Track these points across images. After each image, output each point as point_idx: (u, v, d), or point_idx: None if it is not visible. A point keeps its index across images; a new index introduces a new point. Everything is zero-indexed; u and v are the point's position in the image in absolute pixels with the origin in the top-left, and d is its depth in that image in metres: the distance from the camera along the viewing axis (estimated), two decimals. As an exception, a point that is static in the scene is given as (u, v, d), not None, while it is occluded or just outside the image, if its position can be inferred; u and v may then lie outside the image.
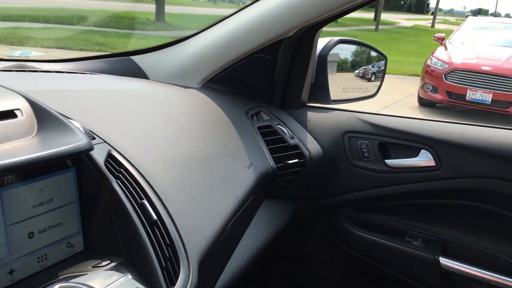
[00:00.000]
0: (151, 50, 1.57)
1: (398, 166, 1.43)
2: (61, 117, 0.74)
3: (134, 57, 1.54)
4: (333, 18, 1.32)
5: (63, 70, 1.31)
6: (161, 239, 0.78)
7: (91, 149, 0.72)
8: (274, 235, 1.30)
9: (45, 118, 0.74)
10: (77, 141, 0.70)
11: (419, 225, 1.49)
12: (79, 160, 0.75)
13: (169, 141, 1.03)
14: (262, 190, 1.25)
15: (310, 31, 1.38)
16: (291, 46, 1.39)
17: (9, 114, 0.71)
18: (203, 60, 1.46)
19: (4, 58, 1.37)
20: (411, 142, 1.42)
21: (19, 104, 0.74)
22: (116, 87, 1.25)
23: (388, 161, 1.44)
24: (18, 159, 0.61)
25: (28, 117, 0.73)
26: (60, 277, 0.68)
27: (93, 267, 0.72)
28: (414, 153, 1.42)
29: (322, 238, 1.66)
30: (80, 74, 1.30)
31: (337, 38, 1.55)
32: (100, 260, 0.74)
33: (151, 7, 15.31)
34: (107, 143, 0.88)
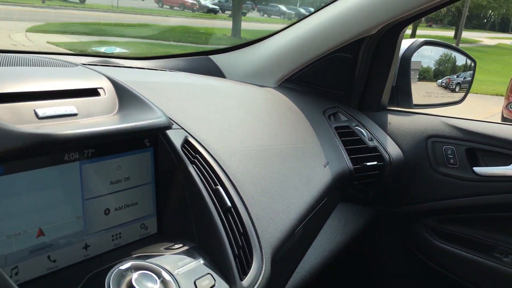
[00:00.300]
0: (229, 50, 1.57)
1: (488, 175, 1.31)
2: (141, 96, 0.74)
3: (212, 56, 1.55)
4: (419, 15, 1.25)
5: (144, 67, 1.35)
6: (234, 227, 0.75)
7: (169, 127, 0.71)
8: (349, 240, 1.23)
9: (126, 97, 0.74)
10: (156, 118, 0.69)
11: (511, 241, 1.35)
12: (156, 140, 0.75)
13: (246, 133, 1.01)
14: (338, 191, 1.19)
15: (394, 29, 1.31)
16: (373, 45, 1.33)
17: (93, 92, 0.72)
18: (280, 59, 1.44)
19: (90, 53, 1.43)
20: (503, 149, 1.29)
21: (103, 83, 0.75)
22: (195, 83, 1.26)
23: (476, 169, 1.32)
24: (99, 129, 0.61)
25: (110, 96, 0.74)
26: (133, 256, 0.67)
27: (166, 249, 0.70)
28: (507, 161, 1.29)
29: (398, 248, 1.55)
30: (160, 71, 1.33)
31: (422, 39, 1.47)
32: (173, 243, 0.72)
33: (228, 24, 15.73)
34: (184, 129, 0.87)
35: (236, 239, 0.74)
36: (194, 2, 22.43)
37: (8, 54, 0.79)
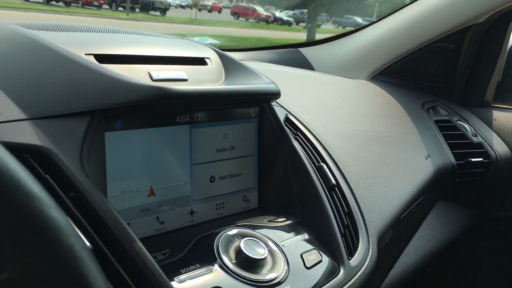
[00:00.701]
0: (319, 43, 1.55)
1: None
2: (247, 65, 0.73)
3: (301, 49, 1.53)
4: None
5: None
6: (339, 205, 0.71)
7: (279, 94, 0.69)
8: (449, 240, 1.14)
9: (232, 66, 0.73)
10: (267, 83, 0.68)
11: None
12: (262, 112, 0.73)
13: (344, 117, 0.97)
14: (439, 187, 1.11)
15: (504, 18, 1.22)
16: (480, 35, 1.24)
17: (201, 61, 0.72)
18: (374, 51, 1.39)
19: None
20: None
21: (209, 54, 0.75)
22: (286, 71, 1.24)
23: None
24: (213, 87, 0.60)
25: (217, 66, 0.73)
26: (238, 225, 0.65)
27: (269, 221, 0.68)
28: None
29: (500, 256, 1.43)
30: (250, 61, 1.32)
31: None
32: (276, 217, 0.69)
33: (303, 35, 15.76)
34: (284, 108, 0.85)
35: (341, 217, 0.70)
36: (269, 14, 22.74)
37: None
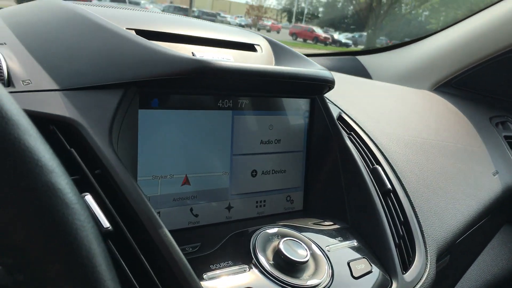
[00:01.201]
0: (378, 51, 1.47)
1: None
2: (299, 53, 0.67)
3: (359, 57, 1.46)
4: None
5: None
6: (394, 213, 0.63)
7: (333, 83, 0.63)
8: None
9: (283, 55, 0.68)
10: (321, 69, 0.62)
11: None
12: (313, 106, 0.67)
13: (403, 123, 0.89)
14: (506, 208, 1.00)
15: None
16: None
17: (250, 47, 0.67)
18: (438, 61, 1.29)
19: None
20: None
21: (259, 41, 0.70)
22: (342, 76, 1.17)
23: None
24: (260, 67, 0.55)
25: (267, 53, 0.68)
26: (278, 224, 0.58)
27: (314, 224, 0.61)
28: None
29: None
30: None
31: None
32: (322, 220, 0.62)
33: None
34: (337, 106, 0.79)
35: (396, 226, 0.62)
36: (328, 36, 22.63)
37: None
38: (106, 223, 0.41)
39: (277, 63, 0.66)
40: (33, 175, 0.25)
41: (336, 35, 23.24)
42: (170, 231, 0.44)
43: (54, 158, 0.28)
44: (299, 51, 0.72)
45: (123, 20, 0.57)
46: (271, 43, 0.70)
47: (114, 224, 0.42)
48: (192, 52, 0.59)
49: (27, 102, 0.47)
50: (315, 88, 0.64)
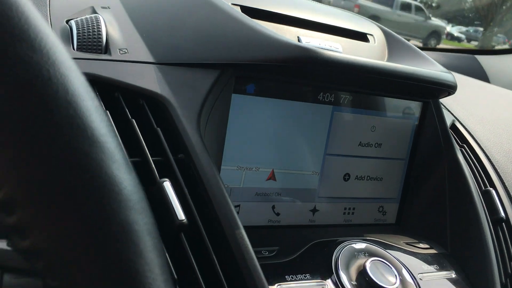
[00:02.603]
0: (501, 53, 1.31)
1: None
2: (416, 48, 0.59)
3: (478, 56, 1.31)
4: None
5: None
6: (504, 246, 0.54)
7: (455, 88, 0.54)
8: None
9: (397, 47, 0.60)
10: (442, 71, 0.54)
11: None
12: (424, 110, 0.59)
13: None
14: None
15: None
16: None
17: (361, 36, 0.61)
18: None
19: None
20: None
21: (373, 31, 0.62)
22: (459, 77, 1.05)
23: None
24: (374, 62, 0.48)
25: (380, 45, 0.61)
26: (367, 239, 0.52)
27: (407, 244, 0.54)
28: None
29: None
30: None
31: None
32: (416, 241, 0.55)
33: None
34: (450, 112, 0.70)
35: (505, 263, 0.53)
36: (439, 27, 21.36)
37: None
38: (181, 215, 0.38)
39: (390, 58, 0.59)
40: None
41: (449, 28, 21.84)
42: (249, 227, 0.40)
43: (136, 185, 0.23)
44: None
45: None
46: (386, 33, 0.63)
47: (190, 217, 0.39)
48: (298, 37, 0.53)
49: (121, 72, 0.45)
50: (432, 92, 0.56)
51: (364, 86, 0.53)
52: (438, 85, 0.53)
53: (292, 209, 0.53)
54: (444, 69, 0.55)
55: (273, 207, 0.52)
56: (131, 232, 0.21)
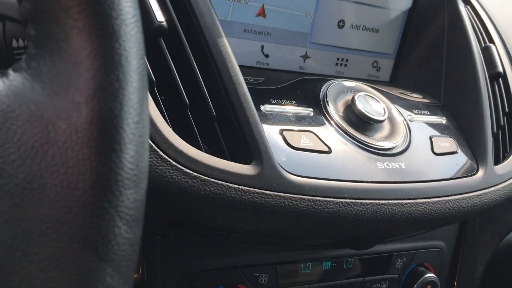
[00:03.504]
0: None
1: None
2: None
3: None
4: None
5: None
6: (499, 99, 0.53)
7: None
8: None
9: None
10: None
11: None
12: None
13: None
14: None
15: None
16: None
17: None
18: None
19: None
20: None
21: None
22: None
23: None
24: None
25: None
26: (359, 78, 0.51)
27: (400, 93, 0.53)
28: None
29: None
30: None
31: None
32: (410, 91, 0.54)
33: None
34: None
35: (498, 115, 0.52)
36: None
37: None
38: (160, 16, 0.35)
39: None
40: None
41: None
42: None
43: None
44: None
45: None
46: None
47: (170, 24, 0.37)
48: None
49: None
50: None
51: None
52: None
53: (282, 52, 0.51)
54: None
55: (262, 47, 0.50)
56: None
